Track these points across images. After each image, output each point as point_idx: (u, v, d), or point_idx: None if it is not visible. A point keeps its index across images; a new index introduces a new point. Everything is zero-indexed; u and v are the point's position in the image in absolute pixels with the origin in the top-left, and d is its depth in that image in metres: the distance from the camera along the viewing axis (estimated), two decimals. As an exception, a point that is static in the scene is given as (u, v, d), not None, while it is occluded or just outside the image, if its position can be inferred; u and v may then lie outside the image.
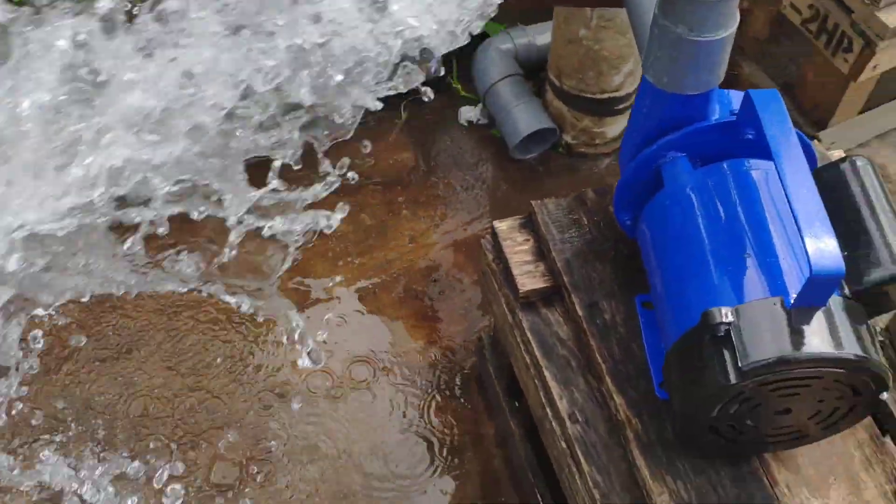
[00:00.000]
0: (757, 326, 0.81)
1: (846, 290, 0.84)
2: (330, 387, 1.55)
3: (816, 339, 0.79)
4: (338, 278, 1.68)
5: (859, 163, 0.91)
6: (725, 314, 0.82)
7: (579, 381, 1.09)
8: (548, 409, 1.11)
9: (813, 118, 1.75)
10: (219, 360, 1.57)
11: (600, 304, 1.10)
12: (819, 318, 0.81)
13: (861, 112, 1.73)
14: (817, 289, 0.78)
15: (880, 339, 0.86)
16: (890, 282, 0.83)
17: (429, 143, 1.89)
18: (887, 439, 1.00)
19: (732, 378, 0.80)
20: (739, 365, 0.80)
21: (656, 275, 0.97)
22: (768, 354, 0.79)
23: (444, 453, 1.50)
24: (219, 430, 1.49)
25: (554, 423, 1.09)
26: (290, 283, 1.67)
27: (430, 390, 1.56)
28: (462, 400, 1.55)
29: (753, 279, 0.85)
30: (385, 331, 1.63)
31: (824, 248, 0.77)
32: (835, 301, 0.82)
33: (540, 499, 1.31)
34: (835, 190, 0.90)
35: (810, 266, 0.76)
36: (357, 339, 1.61)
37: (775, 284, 0.84)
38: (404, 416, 1.53)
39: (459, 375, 1.58)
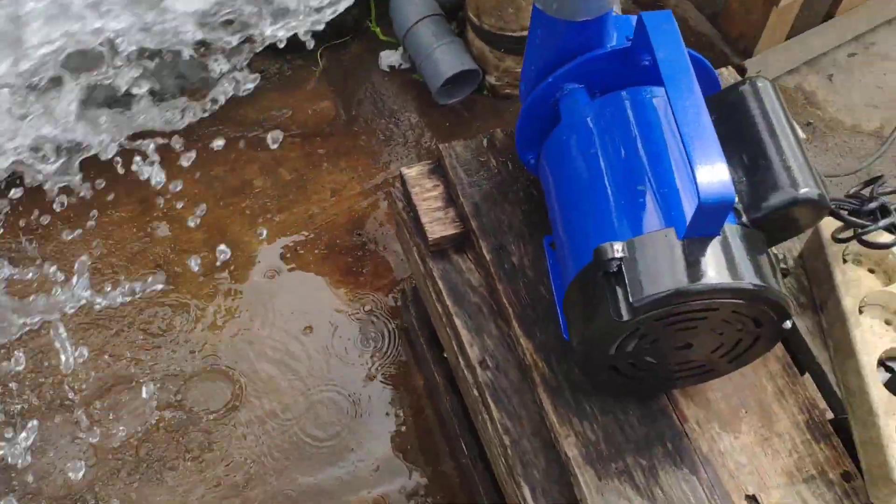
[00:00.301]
0: (649, 260, 0.78)
1: (744, 218, 0.82)
2: (258, 349, 1.51)
3: (710, 269, 0.77)
4: (257, 237, 1.63)
5: (759, 84, 0.88)
6: (616, 249, 0.79)
7: (491, 327, 1.06)
8: (460, 357, 1.08)
9: (739, 47, 1.72)
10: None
11: (508, 247, 1.07)
12: (714, 247, 0.78)
13: (787, 38, 1.71)
14: (707, 217, 0.76)
15: (783, 266, 0.84)
16: (790, 206, 0.81)
17: (349, 91, 1.83)
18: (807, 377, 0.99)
19: (625, 314, 0.77)
20: (631, 301, 0.77)
21: (556, 213, 0.93)
22: (660, 288, 0.76)
23: (376, 407, 1.47)
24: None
25: (466, 371, 1.06)
26: (204, 242, 1.61)
27: (359, 345, 1.53)
28: (391, 353, 1.53)
29: (648, 211, 0.82)
30: (310, 289, 1.59)
31: (713, 174, 0.74)
32: (731, 230, 0.80)
33: (465, 448, 1.30)
34: (735, 113, 0.87)
35: (698, 194, 0.73)
36: (281, 298, 1.57)
37: (671, 216, 0.81)
38: (334, 372, 1.49)
39: (387, 329, 1.55)
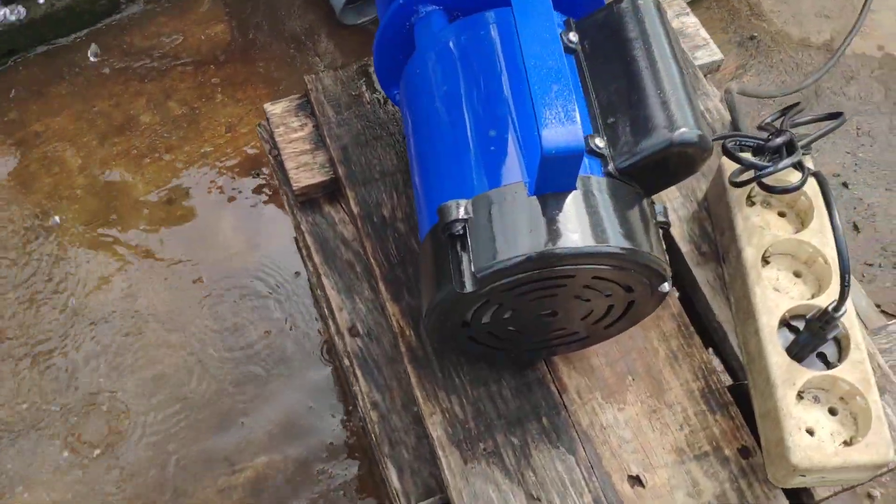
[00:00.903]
0: (496, 221, 0.67)
1: (612, 166, 0.70)
2: (145, 303, 1.40)
3: (565, 232, 0.65)
4: (144, 179, 1.50)
5: (640, 1, 0.75)
6: (461, 208, 0.68)
7: (364, 288, 0.95)
8: (330, 322, 0.97)
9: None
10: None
11: (379, 197, 0.95)
12: (571, 204, 0.66)
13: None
14: (554, 171, 0.64)
15: (662, 220, 0.73)
16: (664, 150, 0.69)
17: (246, 13, 1.67)
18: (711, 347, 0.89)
19: (468, 285, 0.66)
20: (474, 270, 0.66)
21: (412, 160, 0.81)
22: (505, 255, 0.65)
23: (269, 364, 1.38)
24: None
25: (336, 338, 0.96)
26: (88, 185, 1.48)
27: (255, 299, 1.42)
28: (290, 306, 1.42)
29: (503, 161, 0.70)
30: (201, 236, 1.47)
31: (556, 119, 0.62)
32: (594, 182, 0.68)
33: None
34: (609, 37, 0.75)
35: (541, 143, 0.61)
36: (171, 247, 1.45)
37: (533, 167, 0.69)
38: (230, 324, 1.39)
39: (287, 281, 1.44)
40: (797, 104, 0.91)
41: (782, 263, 0.85)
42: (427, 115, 0.77)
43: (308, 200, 1.01)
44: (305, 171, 1.00)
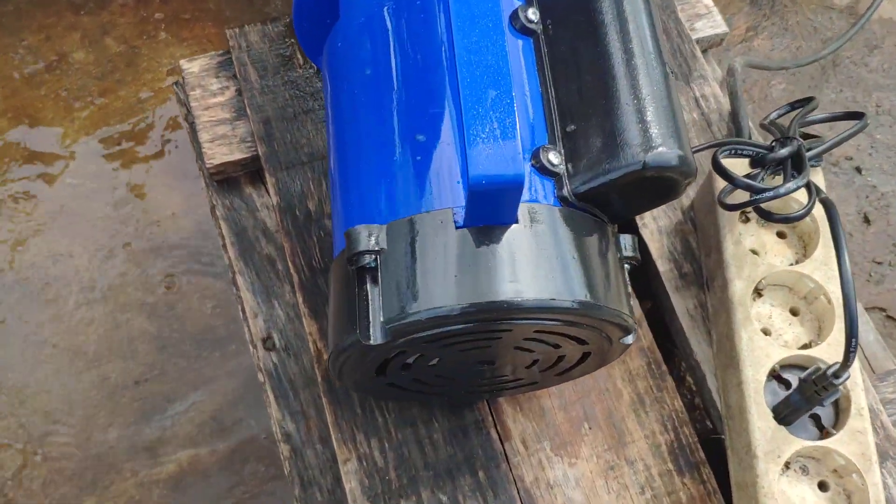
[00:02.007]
0: (416, 257, 0.53)
1: (567, 190, 0.56)
2: (61, 271, 1.26)
3: (498, 280, 0.51)
4: (72, 126, 1.35)
5: (620, -26, 0.60)
6: (371, 237, 0.54)
7: (285, 291, 0.82)
8: (245, 329, 0.84)
9: None
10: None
11: (305, 186, 0.81)
12: (509, 242, 0.52)
13: None
14: (487, 202, 0.50)
15: (628, 255, 0.58)
16: (637, 173, 0.54)
17: (196, -62, 1.49)
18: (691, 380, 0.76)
19: (376, 337, 0.53)
20: (383, 320, 0.52)
21: (328, 153, 0.67)
22: (422, 305, 0.51)
23: (203, 346, 1.25)
24: None
25: (251, 348, 0.83)
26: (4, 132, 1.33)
27: (190, 266, 1.28)
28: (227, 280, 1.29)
29: (430, 177, 0.56)
30: (131, 193, 1.33)
31: (490, 136, 0.47)
32: (542, 213, 0.54)
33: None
34: (579, 19, 0.59)
35: (466, 169, 0.47)
36: (98, 202, 1.31)
37: (460, 189, 0.55)
38: (162, 301, 1.26)
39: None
40: (811, 100, 0.76)
41: (777, 297, 0.71)
42: (346, 103, 0.62)
43: (226, 180, 0.86)
44: (223, 146, 0.85)
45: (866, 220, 1.30)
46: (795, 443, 0.64)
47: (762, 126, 0.77)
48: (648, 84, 0.56)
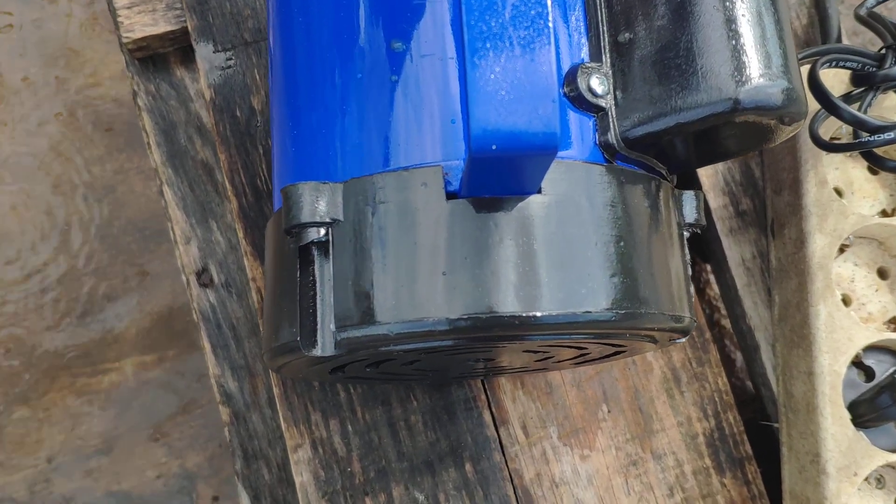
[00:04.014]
0: (381, 239, 0.36)
1: (615, 133, 0.38)
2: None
3: (504, 285, 0.35)
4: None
5: None
6: (319, 202, 0.37)
7: (226, 210, 0.65)
8: (177, 256, 0.68)
9: None
10: None
11: (248, 75, 0.62)
12: (525, 225, 0.35)
13: None
14: (495, 168, 0.32)
15: (692, 222, 0.41)
16: (724, 115, 0.37)
17: None
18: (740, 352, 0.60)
19: (321, 347, 0.37)
20: (334, 328, 0.36)
21: (271, 78, 0.47)
22: (391, 314, 0.35)
23: (144, 228, 1.09)
24: None
25: (185, 279, 0.67)
26: None
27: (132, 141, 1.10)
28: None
29: (404, 112, 0.38)
30: (64, 54, 1.12)
31: (505, 52, 0.29)
32: (577, 175, 0.37)
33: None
34: None
35: (467, 127, 0.29)
36: (25, 61, 1.11)
37: (453, 136, 0.37)
38: (93, 171, 1.09)
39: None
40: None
41: (863, 254, 0.55)
42: (290, 19, 0.43)
43: (150, 58, 0.67)
44: (143, 14, 0.65)
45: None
46: (878, 456, 0.50)
47: (858, 18, 0.58)
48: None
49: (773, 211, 0.58)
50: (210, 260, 0.65)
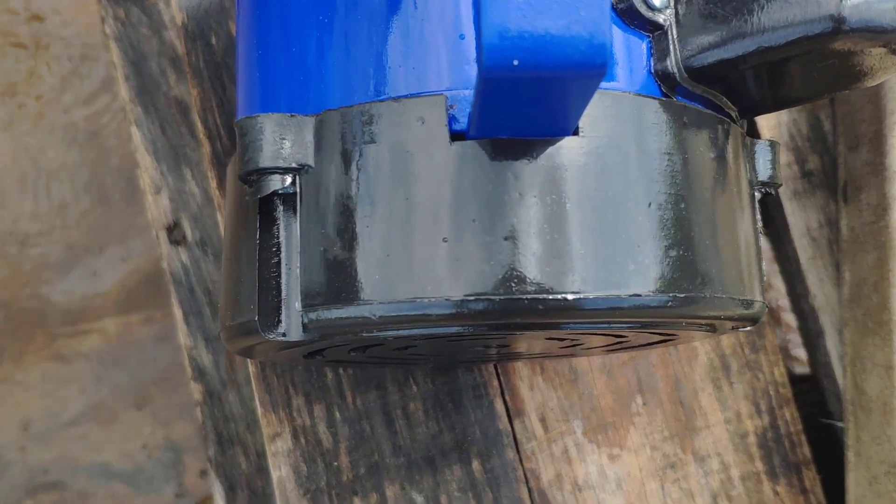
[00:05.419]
0: (367, 192, 0.27)
1: (677, 58, 0.29)
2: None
3: (522, 253, 0.26)
4: None
5: None
6: (284, 141, 0.28)
7: (202, 155, 0.57)
8: (146, 206, 0.60)
9: None
10: None
11: (227, -6, 0.54)
12: (559, 175, 0.27)
13: None
14: (517, 98, 0.24)
15: (766, 180, 0.33)
16: (822, 38, 0.28)
17: None
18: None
19: (284, 329, 0.29)
20: (300, 308, 0.28)
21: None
22: (375, 292, 0.27)
23: (130, 177, 1.01)
24: None
25: (154, 234, 0.59)
26: None
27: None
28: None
29: (400, 24, 0.29)
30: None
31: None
32: (625, 112, 0.28)
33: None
34: None
35: (479, 34, 0.21)
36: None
37: (459, 60, 0.28)
38: (75, 115, 1.01)
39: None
40: None
41: (959, 225, 0.46)
42: None
43: (119, -23, 0.59)
44: (111, -76, 0.57)
45: None
46: (972, 470, 0.42)
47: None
48: None
49: (847, 171, 0.49)
50: (183, 213, 0.57)
